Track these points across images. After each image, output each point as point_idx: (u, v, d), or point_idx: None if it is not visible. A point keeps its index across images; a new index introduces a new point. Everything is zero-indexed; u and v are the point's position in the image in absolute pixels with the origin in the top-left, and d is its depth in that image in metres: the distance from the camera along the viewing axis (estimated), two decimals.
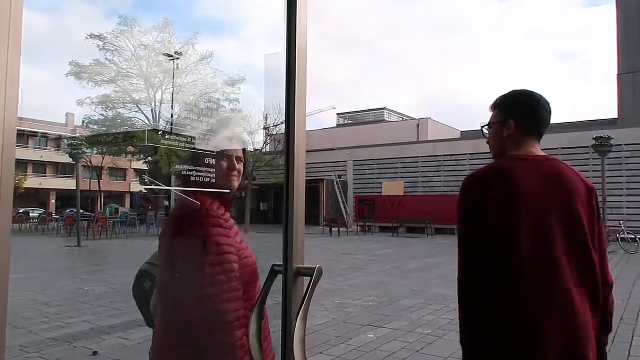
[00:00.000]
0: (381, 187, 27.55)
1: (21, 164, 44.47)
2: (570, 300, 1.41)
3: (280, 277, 1.46)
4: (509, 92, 1.70)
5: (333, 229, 22.46)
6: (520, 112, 1.65)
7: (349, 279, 8.89)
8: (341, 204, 28.02)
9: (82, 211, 33.29)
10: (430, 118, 39.88)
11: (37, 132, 45.18)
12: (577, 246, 1.46)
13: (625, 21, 33.95)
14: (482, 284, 1.46)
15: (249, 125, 27.94)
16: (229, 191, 1.54)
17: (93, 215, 23.17)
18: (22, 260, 11.96)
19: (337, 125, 48.11)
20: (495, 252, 1.46)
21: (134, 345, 4.61)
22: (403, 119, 46.70)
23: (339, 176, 28.99)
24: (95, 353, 4.34)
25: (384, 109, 48.01)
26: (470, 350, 1.49)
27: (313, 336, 5.01)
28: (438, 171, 26.02)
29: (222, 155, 1.56)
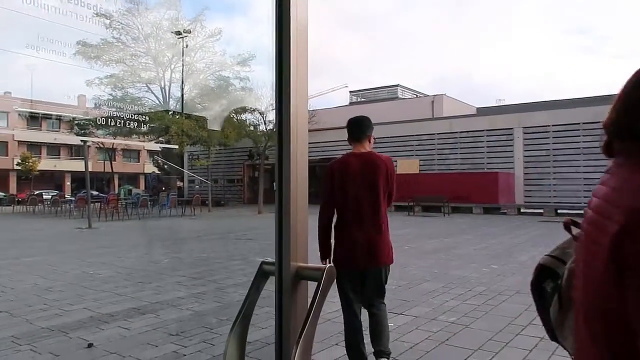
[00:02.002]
0: (396, 165, 27.00)
1: (35, 146, 44.63)
2: (367, 216, 3.06)
3: (272, 279, 1.02)
4: (349, 119, 3.30)
5: None
6: (349, 132, 3.23)
7: None
8: None
9: (96, 192, 33.35)
10: (445, 94, 38.92)
11: (51, 115, 45.19)
12: (373, 192, 3.05)
13: None
14: (330, 213, 3.13)
15: (261, 105, 27.47)
16: None
17: (105, 196, 23.06)
18: (32, 243, 11.79)
19: (350, 103, 47.32)
20: (337, 197, 3.10)
21: (133, 335, 4.26)
22: (417, 96, 45.72)
23: None
24: (90, 345, 4.00)
25: (397, 85, 47.02)
26: (325, 244, 3.10)
27: (326, 325, 4.62)
28: (454, 148, 25.33)
29: None
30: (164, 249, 10.17)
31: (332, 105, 44.29)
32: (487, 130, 24.35)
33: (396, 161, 27.02)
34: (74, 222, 17.14)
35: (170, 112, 26.72)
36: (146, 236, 13.23)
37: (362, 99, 47.53)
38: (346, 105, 45.33)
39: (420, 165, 26.20)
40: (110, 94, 26.01)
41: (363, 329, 3.18)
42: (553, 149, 22.34)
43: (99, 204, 19.96)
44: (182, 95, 27.74)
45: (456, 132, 25.35)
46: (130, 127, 27.48)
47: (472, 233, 13.21)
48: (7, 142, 43.77)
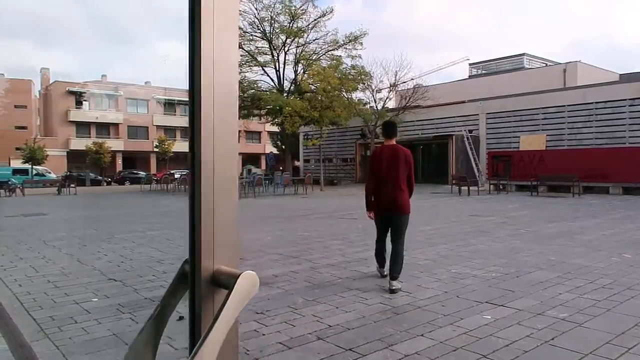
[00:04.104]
0: (518, 142, 24.92)
1: (170, 130, 49.24)
2: (393, 185, 5.31)
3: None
4: (384, 122, 6.45)
5: (462, 187, 20.96)
6: (383, 129, 5.88)
7: (471, 243, 7.90)
8: (472, 160, 26.04)
9: None
10: (579, 61, 34.85)
11: (184, 100, 49.50)
12: (395, 170, 5.31)
13: None
14: (371, 182, 5.54)
15: (374, 83, 27.00)
16: None
17: None
18: (159, 218, 12.96)
19: (469, 76, 44.65)
20: (375, 172, 5.45)
21: None
22: (546, 64, 41.56)
23: (470, 131, 26.87)
24: (181, 318, 4.18)
25: (523, 55, 43.20)
26: (368, 200, 5.60)
27: (416, 312, 4.32)
28: (588, 121, 22.63)
29: None
30: (269, 227, 10.50)
31: (453, 79, 42.16)
32: (631, 99, 21.31)
33: (518, 137, 24.94)
34: None
35: (284, 94, 27.50)
36: (255, 213, 13.81)
37: (483, 71, 44.55)
38: (464, 79, 42.92)
39: (546, 140, 23.89)
40: None
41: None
42: None
43: None
44: (295, 76, 28.36)
45: (591, 103, 22.59)
46: (247, 110, 28.90)
47: (605, 216, 11.67)
48: (147, 126, 48.86)
